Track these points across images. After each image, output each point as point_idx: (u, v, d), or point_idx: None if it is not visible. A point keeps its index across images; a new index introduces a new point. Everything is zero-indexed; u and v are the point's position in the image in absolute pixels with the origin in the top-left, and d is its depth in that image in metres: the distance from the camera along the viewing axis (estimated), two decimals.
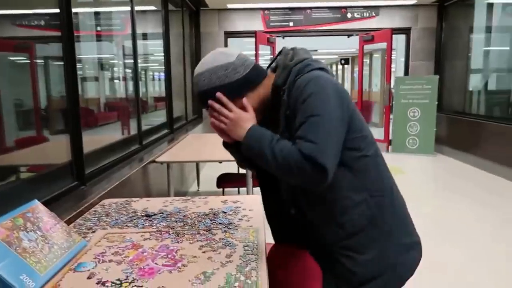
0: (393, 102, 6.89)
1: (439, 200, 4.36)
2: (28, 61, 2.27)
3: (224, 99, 1.14)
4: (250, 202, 1.73)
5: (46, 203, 1.39)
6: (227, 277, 1.07)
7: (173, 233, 1.40)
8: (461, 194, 4.48)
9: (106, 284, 1.04)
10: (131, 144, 3.13)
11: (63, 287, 1.04)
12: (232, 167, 3.87)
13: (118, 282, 1.05)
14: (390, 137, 6.94)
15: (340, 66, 16.91)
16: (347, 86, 16.29)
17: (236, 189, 3.71)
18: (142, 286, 1.03)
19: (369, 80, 12.05)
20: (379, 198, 1.13)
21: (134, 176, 2.57)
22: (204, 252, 1.23)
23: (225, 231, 1.40)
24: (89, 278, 1.08)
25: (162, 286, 1.03)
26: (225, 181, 3.54)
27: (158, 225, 1.49)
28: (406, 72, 7.32)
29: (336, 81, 1.12)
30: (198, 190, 4.74)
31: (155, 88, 6.27)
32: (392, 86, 6.96)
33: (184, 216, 1.59)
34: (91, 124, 3.27)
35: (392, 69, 8.03)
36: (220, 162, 3.23)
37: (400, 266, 1.16)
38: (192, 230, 1.42)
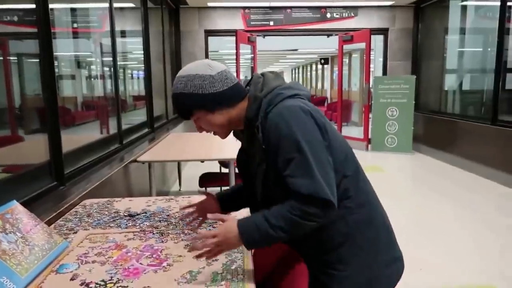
0: (372, 101, 7.01)
1: (417, 198, 4.46)
2: (1, 58, 2.19)
3: (201, 234, 1.09)
4: None
5: (24, 204, 1.35)
6: (213, 275, 1.07)
7: (157, 233, 1.38)
8: (439, 192, 4.60)
9: (90, 285, 1.02)
10: (111, 144, 3.07)
11: None
12: (214, 167, 3.86)
13: (102, 283, 1.03)
14: (370, 136, 7.06)
15: (320, 66, 17.10)
16: (326, 85, 16.50)
17: (219, 188, 3.70)
18: (127, 287, 1.01)
19: (348, 79, 12.23)
20: (356, 215, 1.13)
21: (115, 176, 2.52)
22: (189, 251, 1.23)
23: (210, 230, 1.39)
24: (72, 279, 1.06)
25: (148, 286, 1.02)
26: (208, 180, 3.52)
27: (141, 225, 1.48)
28: (385, 72, 7.46)
29: (308, 106, 1.09)
30: (180, 190, 4.70)
31: (134, 86, 6.17)
32: (371, 86, 7.08)
33: (168, 215, 1.58)
34: (69, 123, 3.19)
35: (371, 69, 8.18)
36: (202, 161, 3.21)
37: (380, 281, 1.17)
38: (177, 230, 1.41)
